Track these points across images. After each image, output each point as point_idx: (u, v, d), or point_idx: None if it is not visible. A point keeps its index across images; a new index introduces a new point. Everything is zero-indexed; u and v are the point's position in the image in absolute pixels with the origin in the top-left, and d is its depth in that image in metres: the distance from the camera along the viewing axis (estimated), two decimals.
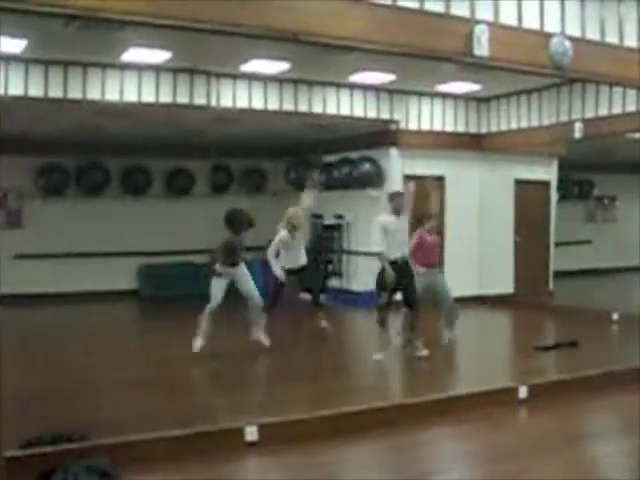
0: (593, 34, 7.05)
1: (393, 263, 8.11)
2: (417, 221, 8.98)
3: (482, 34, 6.23)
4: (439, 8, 6.18)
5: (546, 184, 14.49)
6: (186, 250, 14.57)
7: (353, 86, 11.57)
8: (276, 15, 5.41)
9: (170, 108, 10.41)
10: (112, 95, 9.83)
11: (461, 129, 13.14)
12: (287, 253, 9.21)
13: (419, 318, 8.49)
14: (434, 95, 12.64)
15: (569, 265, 16.31)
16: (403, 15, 5.98)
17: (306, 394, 7.15)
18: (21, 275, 12.80)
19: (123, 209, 14.51)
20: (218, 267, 8.43)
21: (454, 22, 6.24)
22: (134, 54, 9.09)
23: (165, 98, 10.19)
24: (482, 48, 6.22)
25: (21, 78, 9.29)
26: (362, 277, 12.73)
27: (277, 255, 9.18)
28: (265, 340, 8.80)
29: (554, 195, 14.71)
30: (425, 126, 12.79)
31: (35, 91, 9.40)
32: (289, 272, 9.22)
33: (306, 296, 9.93)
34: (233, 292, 8.73)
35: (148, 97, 10.08)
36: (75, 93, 9.63)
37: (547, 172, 14.50)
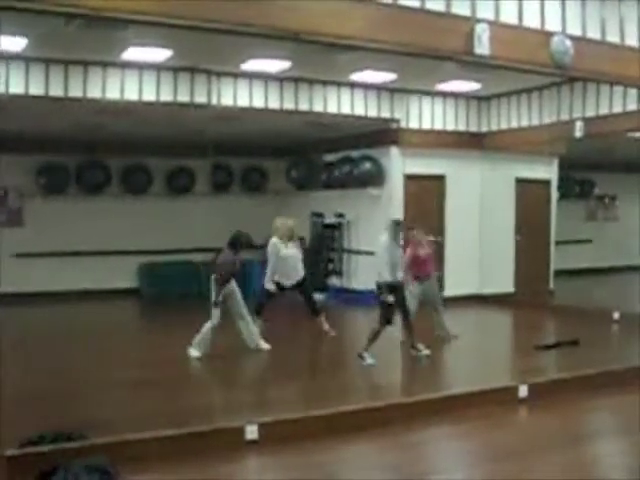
0: (594, 33, 7.05)
1: (392, 287, 8.08)
2: (408, 229, 9.06)
3: (483, 33, 6.23)
4: (440, 7, 6.18)
5: (547, 183, 14.48)
6: (186, 249, 14.57)
7: (354, 85, 11.57)
8: (278, 14, 5.42)
9: (171, 107, 10.41)
10: (113, 94, 9.82)
11: (462, 128, 13.13)
12: (281, 263, 9.17)
13: (413, 325, 8.53)
14: (435, 94, 12.63)
15: (570, 264, 16.30)
16: (404, 14, 5.98)
17: (306, 393, 7.16)
18: (21, 274, 12.82)
19: (124, 208, 14.49)
20: (219, 297, 8.32)
21: (455, 21, 6.24)
22: (135, 53, 9.08)
23: (166, 97, 10.19)
24: (483, 47, 6.22)
25: (22, 77, 9.29)
26: (362, 276, 12.74)
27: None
28: (264, 345, 8.77)
29: (555, 194, 14.70)
30: (426, 125, 12.78)
31: (36, 90, 9.40)
32: (285, 288, 9.24)
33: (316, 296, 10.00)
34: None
35: (149, 96, 10.07)
36: (76, 92, 9.62)
37: (548, 171, 14.49)
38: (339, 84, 11.45)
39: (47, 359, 8.46)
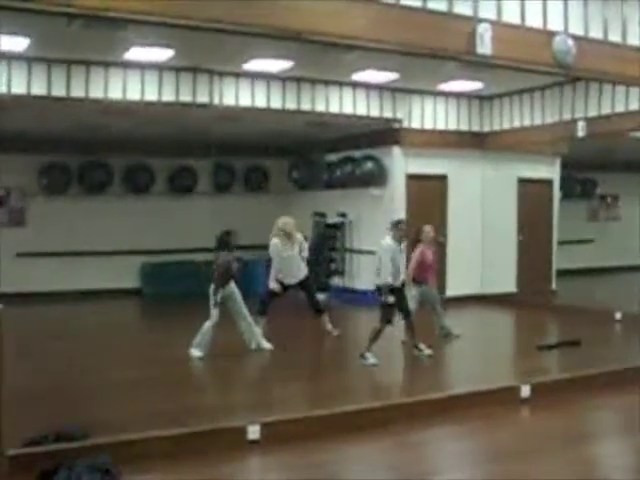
0: (596, 33, 7.05)
1: (392, 289, 8.06)
2: (415, 236, 9.07)
3: (485, 32, 6.23)
4: (442, 7, 6.18)
5: (549, 183, 14.47)
6: (189, 249, 14.55)
7: (356, 85, 11.56)
8: (280, 14, 5.42)
9: (173, 107, 10.41)
10: (115, 94, 9.83)
11: (464, 128, 13.13)
12: (283, 263, 9.23)
13: (415, 326, 8.53)
14: (437, 94, 12.62)
15: (572, 264, 16.28)
16: (406, 14, 5.98)
17: (308, 393, 7.16)
18: (23, 273, 12.82)
19: (126, 207, 14.50)
20: (217, 298, 8.33)
21: (457, 21, 6.24)
22: (137, 53, 9.09)
23: (168, 97, 10.19)
24: (485, 46, 6.22)
25: (24, 77, 9.30)
26: (365, 275, 12.73)
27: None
28: (267, 344, 8.78)
29: (557, 194, 14.69)
30: (428, 125, 12.77)
31: (38, 89, 9.41)
32: (288, 287, 9.29)
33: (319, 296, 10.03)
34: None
35: (151, 95, 10.08)
36: (78, 92, 9.63)
37: (550, 171, 14.48)
38: (341, 84, 11.44)
39: (49, 359, 8.46)
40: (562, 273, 14.87)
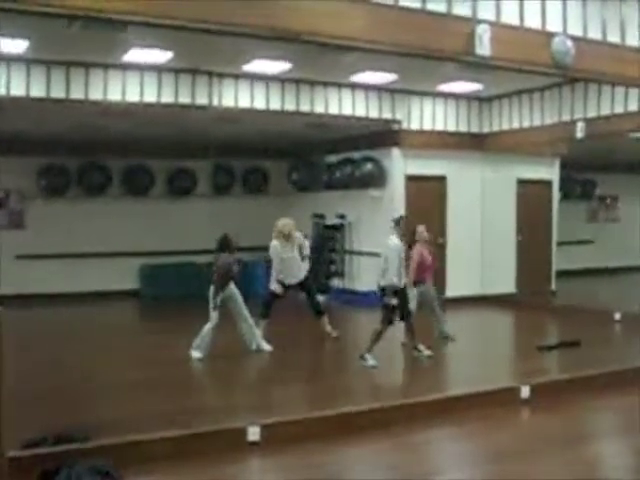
0: (595, 33, 7.05)
1: (396, 291, 8.00)
2: (411, 236, 9.03)
3: (484, 33, 6.23)
4: (441, 8, 6.19)
5: (548, 184, 14.48)
6: (187, 250, 14.56)
7: (355, 86, 11.57)
8: (279, 15, 5.42)
9: (172, 108, 10.41)
10: (114, 95, 9.83)
11: (463, 129, 13.13)
12: (283, 265, 9.25)
13: (414, 327, 8.52)
14: (436, 95, 12.63)
15: (571, 265, 16.28)
16: (405, 15, 5.98)
17: (308, 394, 7.15)
18: (23, 275, 12.82)
19: (125, 209, 14.50)
20: (217, 300, 8.33)
21: (456, 22, 6.24)
22: (136, 54, 9.09)
23: (167, 98, 10.19)
24: (484, 48, 6.23)
25: (23, 79, 9.30)
26: (364, 277, 12.74)
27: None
28: (267, 346, 8.78)
29: (556, 195, 14.70)
30: (427, 126, 12.78)
31: (37, 91, 9.41)
32: (289, 287, 9.31)
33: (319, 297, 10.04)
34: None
35: (150, 97, 10.08)
36: (77, 93, 9.63)
37: (549, 172, 14.48)
38: (340, 85, 11.45)
39: (48, 360, 8.45)
40: (562, 274, 14.87)
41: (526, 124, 12.43)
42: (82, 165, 14.02)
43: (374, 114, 12.10)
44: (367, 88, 11.76)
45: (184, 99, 10.29)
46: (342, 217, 13.83)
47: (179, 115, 11.09)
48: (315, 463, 5.23)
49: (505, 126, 12.88)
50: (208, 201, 15.17)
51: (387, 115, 12.27)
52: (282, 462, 5.37)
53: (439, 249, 12.00)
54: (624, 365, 7.70)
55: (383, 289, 8.03)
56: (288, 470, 5.24)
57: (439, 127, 12.90)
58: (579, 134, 11.33)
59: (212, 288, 8.39)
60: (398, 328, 8.61)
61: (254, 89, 10.76)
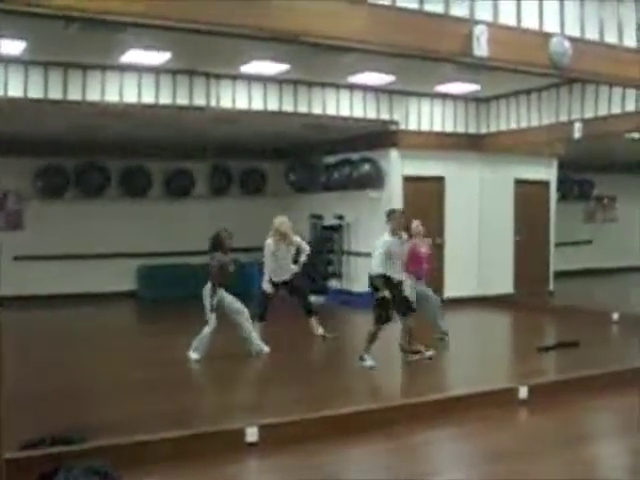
0: (592, 34, 7.05)
1: (388, 282, 7.88)
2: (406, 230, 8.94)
3: (481, 34, 6.23)
4: (438, 9, 6.18)
5: (546, 184, 14.50)
6: (185, 252, 14.54)
7: (353, 87, 11.58)
8: (276, 16, 5.41)
9: (170, 109, 10.41)
10: (112, 96, 9.83)
11: (461, 129, 13.14)
12: (276, 264, 9.20)
13: (412, 329, 8.43)
14: (434, 96, 12.63)
15: (569, 265, 16.31)
16: (402, 16, 5.98)
17: (306, 395, 7.14)
18: (21, 276, 12.80)
19: (122, 210, 14.50)
20: (213, 301, 8.32)
21: (453, 23, 6.24)
22: (134, 55, 9.08)
23: (165, 99, 10.20)
24: (481, 48, 6.22)
25: (21, 80, 9.30)
26: (362, 278, 12.68)
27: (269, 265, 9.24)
28: (264, 347, 8.76)
29: (554, 195, 14.72)
30: (425, 127, 12.79)
31: (35, 93, 9.41)
32: (278, 284, 9.25)
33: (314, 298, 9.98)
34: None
35: (148, 98, 10.09)
36: (75, 95, 9.63)
37: (547, 172, 14.51)
38: (338, 86, 11.46)
39: (46, 362, 8.45)
40: (559, 274, 14.89)
41: (524, 125, 12.44)
42: (80, 166, 14.02)
43: (372, 115, 12.10)
44: (365, 89, 11.77)
45: (182, 100, 10.30)
46: (340, 218, 13.83)
47: (177, 116, 11.08)
48: (313, 464, 5.23)
49: (503, 127, 12.90)
50: (206, 202, 15.16)
51: (385, 116, 12.28)
52: (280, 463, 5.37)
53: (437, 249, 12.00)
54: (623, 365, 7.70)
55: (371, 281, 7.92)
56: (286, 471, 5.24)
57: (437, 128, 12.91)
58: (576, 134, 11.34)
59: (209, 286, 8.37)
60: (398, 328, 8.61)
61: (252, 90, 10.77)
